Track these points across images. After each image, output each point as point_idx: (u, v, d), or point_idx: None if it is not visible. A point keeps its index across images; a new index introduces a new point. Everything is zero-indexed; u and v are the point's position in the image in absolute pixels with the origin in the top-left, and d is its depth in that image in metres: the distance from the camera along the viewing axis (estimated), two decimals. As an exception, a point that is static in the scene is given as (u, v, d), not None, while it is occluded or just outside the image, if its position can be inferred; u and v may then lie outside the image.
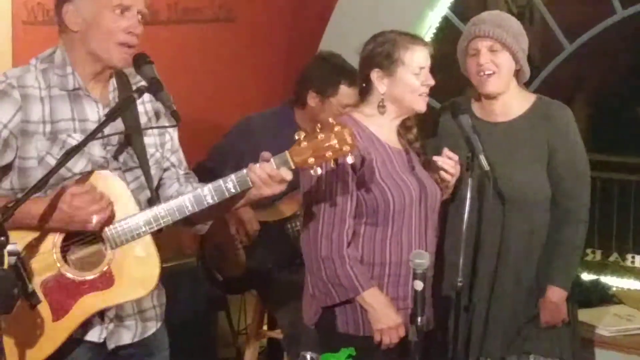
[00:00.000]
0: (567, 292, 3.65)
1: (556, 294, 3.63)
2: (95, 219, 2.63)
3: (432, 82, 3.36)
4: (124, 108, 2.74)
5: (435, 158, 3.43)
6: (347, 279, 3.27)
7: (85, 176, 2.71)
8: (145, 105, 2.91)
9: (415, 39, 3.40)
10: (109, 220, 2.68)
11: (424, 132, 3.78)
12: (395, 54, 3.32)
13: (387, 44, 3.34)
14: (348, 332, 3.35)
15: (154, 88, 2.71)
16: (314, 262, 3.32)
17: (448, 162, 3.42)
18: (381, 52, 3.34)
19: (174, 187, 2.94)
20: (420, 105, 3.36)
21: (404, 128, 3.47)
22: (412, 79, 3.33)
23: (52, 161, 2.69)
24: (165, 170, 2.95)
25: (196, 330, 4.89)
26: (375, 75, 3.36)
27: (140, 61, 2.75)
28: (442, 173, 3.42)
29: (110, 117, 2.68)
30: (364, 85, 3.42)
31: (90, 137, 2.63)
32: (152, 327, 2.96)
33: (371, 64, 3.37)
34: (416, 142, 3.50)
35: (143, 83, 2.75)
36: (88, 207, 2.63)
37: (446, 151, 3.43)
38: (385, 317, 3.30)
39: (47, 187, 2.67)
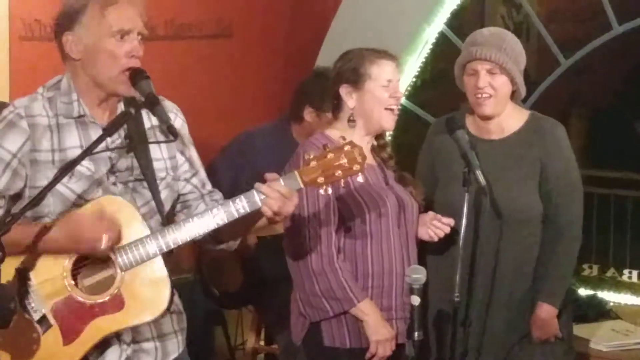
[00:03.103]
0: (556, 309, 3.62)
1: (545, 311, 3.61)
2: (105, 238, 2.61)
3: (400, 95, 3.44)
4: (121, 123, 2.72)
5: (432, 219, 3.44)
6: (342, 291, 3.28)
7: (95, 201, 2.70)
8: (152, 120, 2.86)
9: (382, 53, 3.45)
10: (117, 242, 2.66)
11: (419, 147, 3.80)
12: (362, 68, 3.39)
13: (354, 59, 3.42)
14: (334, 346, 3.36)
15: (151, 103, 2.70)
16: (305, 278, 3.33)
17: (441, 227, 3.43)
18: (348, 68, 3.41)
19: (201, 208, 2.90)
20: (389, 122, 3.42)
21: (378, 146, 3.51)
22: (380, 91, 3.38)
23: (62, 189, 2.68)
24: (187, 193, 2.93)
25: (193, 345, 4.86)
26: (344, 90, 3.42)
27: (137, 76, 2.72)
28: (430, 232, 3.44)
29: (107, 132, 2.67)
30: (335, 102, 3.47)
31: (87, 152, 2.63)
32: (174, 351, 2.92)
33: (340, 80, 3.43)
34: (390, 160, 3.53)
35: None
36: (97, 227, 2.62)
37: (446, 219, 3.45)
38: (383, 329, 3.31)
39: (59, 215, 2.68)
